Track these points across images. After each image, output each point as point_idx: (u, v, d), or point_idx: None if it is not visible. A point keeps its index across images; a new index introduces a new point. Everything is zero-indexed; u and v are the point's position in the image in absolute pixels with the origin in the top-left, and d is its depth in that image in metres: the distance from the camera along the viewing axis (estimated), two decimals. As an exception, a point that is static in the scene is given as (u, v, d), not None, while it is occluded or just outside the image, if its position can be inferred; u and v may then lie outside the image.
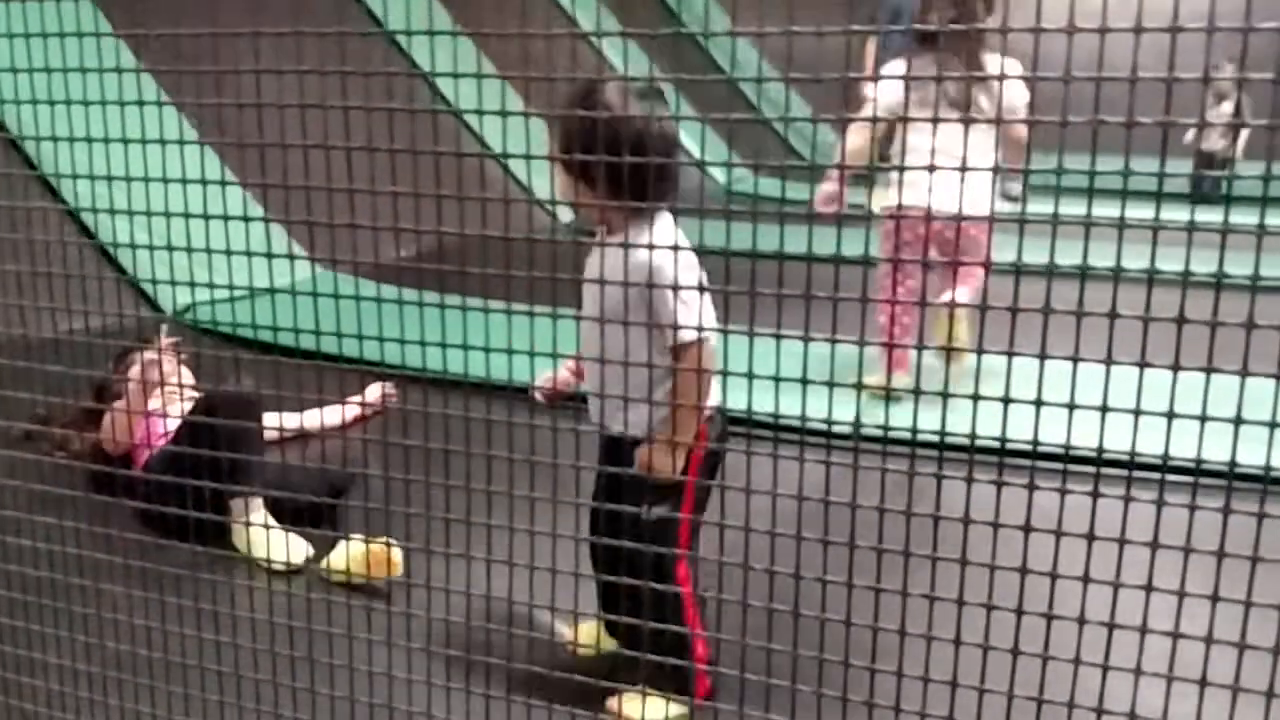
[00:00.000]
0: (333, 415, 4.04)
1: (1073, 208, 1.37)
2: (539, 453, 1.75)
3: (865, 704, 1.63)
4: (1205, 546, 1.42)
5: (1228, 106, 9.22)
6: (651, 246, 2.01)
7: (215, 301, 4.77)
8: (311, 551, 3.04)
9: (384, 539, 2.52)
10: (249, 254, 1.88)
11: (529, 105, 1.89)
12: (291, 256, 1.96)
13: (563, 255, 1.75)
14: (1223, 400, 1.39)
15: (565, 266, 1.80)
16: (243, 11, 1.78)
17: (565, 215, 8.50)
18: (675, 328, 2.32)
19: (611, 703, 2.48)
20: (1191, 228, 1.35)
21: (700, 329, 2.26)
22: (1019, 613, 1.51)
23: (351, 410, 4.10)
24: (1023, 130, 3.34)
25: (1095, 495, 1.47)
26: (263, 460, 3.25)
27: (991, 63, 3.64)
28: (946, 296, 3.74)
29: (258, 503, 3.16)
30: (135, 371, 3.32)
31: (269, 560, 2.99)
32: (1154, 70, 1.30)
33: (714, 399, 2.51)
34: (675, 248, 2.05)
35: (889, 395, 1.95)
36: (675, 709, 2.39)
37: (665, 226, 2.42)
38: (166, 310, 5.46)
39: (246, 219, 1.86)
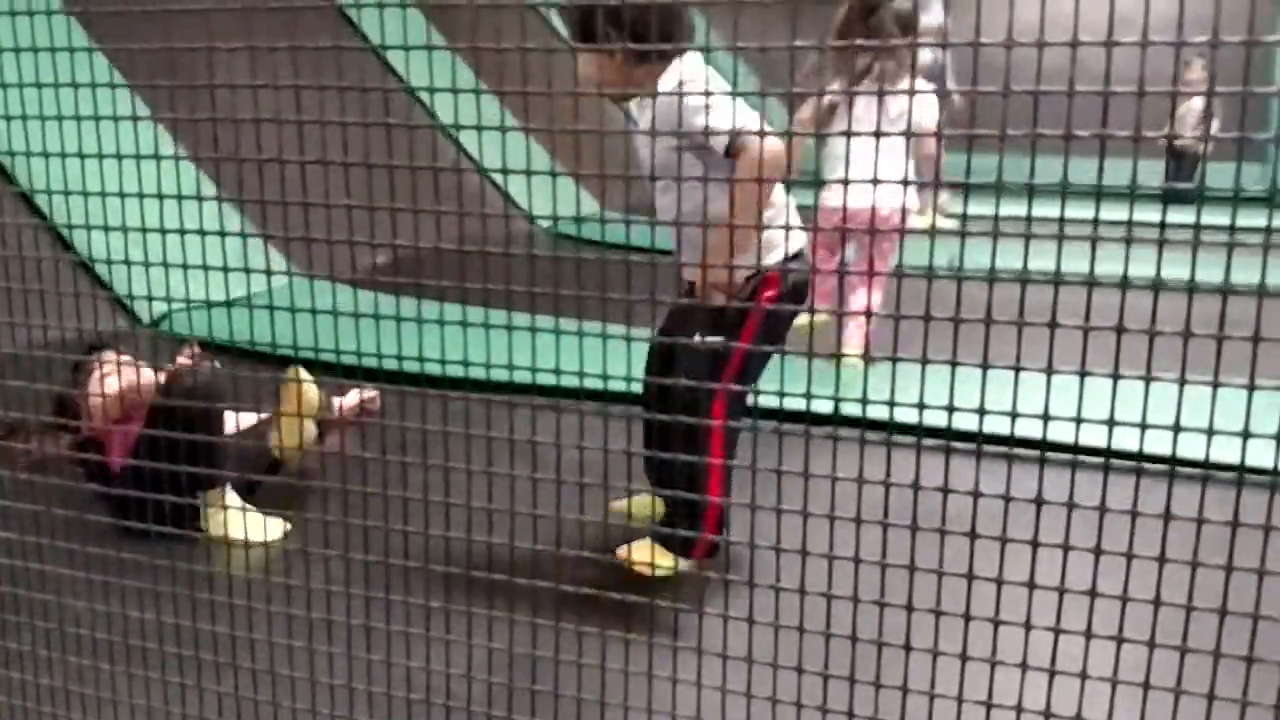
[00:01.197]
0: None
1: (1047, 209, 1.39)
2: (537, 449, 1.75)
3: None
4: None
5: (1198, 103, 9.30)
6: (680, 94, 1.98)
7: (191, 308, 4.75)
8: (289, 528, 3.07)
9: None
10: (226, 268, 1.88)
11: (504, 110, 1.90)
12: (269, 272, 1.95)
13: (541, 261, 1.75)
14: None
15: (542, 274, 1.80)
16: (229, 26, 1.78)
17: (545, 220, 8.54)
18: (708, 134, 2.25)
19: (620, 550, 2.54)
20: (1130, 238, 1.36)
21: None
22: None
23: (341, 409, 4.09)
24: (930, 145, 3.84)
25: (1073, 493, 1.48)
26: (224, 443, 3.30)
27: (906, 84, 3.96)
28: (860, 300, 4.11)
29: (228, 487, 3.20)
30: (100, 366, 3.34)
31: (247, 542, 3.05)
32: (1127, 74, 1.32)
33: (794, 244, 2.46)
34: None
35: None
36: (683, 561, 2.51)
37: (692, 64, 2.40)
38: (143, 319, 5.44)
39: (223, 234, 1.86)
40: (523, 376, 1.70)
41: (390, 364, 1.80)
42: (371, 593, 1.90)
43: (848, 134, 1.48)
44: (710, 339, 2.30)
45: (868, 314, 3.42)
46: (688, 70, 2.39)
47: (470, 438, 1.79)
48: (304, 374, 3.27)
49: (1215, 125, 9.74)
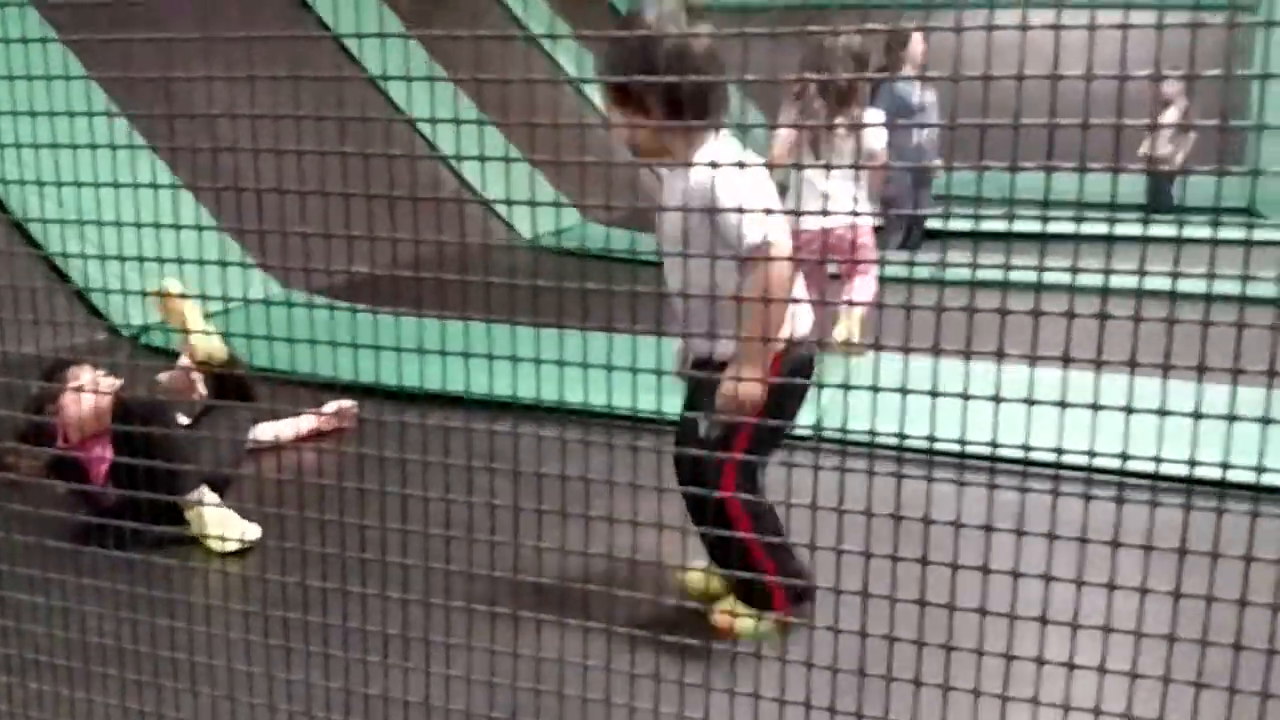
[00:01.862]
0: (289, 428, 4.05)
1: (1028, 221, 1.40)
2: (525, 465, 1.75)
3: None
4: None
5: (1173, 114, 9.42)
6: (714, 165, 1.94)
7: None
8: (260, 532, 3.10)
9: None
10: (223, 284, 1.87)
11: (483, 113, 1.90)
12: (253, 299, 1.94)
13: (522, 266, 1.74)
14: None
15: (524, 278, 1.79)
16: (215, 45, 1.78)
17: (525, 228, 8.54)
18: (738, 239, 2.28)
19: (719, 618, 2.56)
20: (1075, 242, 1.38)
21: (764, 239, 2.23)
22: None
23: (307, 423, 4.08)
24: (879, 171, 4.70)
25: (1043, 493, 1.49)
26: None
27: (859, 114, 4.62)
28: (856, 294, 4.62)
29: (204, 490, 3.20)
30: (73, 381, 3.33)
31: (224, 538, 3.06)
32: (1107, 93, 1.33)
33: (797, 327, 2.46)
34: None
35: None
36: (765, 624, 2.51)
37: (726, 144, 2.40)
38: (122, 333, 5.41)
39: (202, 232, 1.85)
40: (535, 395, 1.68)
41: (389, 379, 1.79)
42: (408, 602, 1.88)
43: (798, 165, 1.49)
44: (713, 429, 2.36)
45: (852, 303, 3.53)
46: (720, 150, 2.39)
47: (472, 459, 1.78)
48: (174, 286, 3.43)
49: (1190, 139, 9.85)
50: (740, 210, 2.22)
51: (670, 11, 2.35)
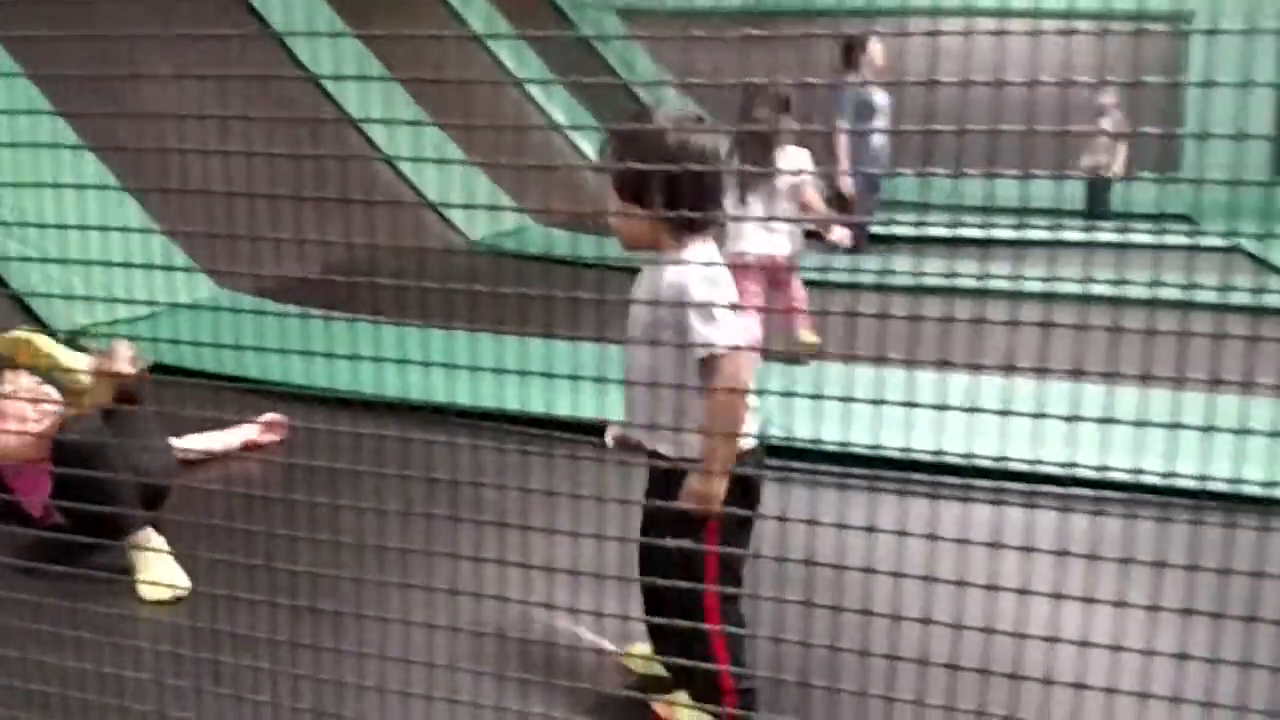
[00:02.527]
0: (221, 440, 3.94)
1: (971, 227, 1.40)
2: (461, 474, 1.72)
3: None
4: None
5: (1107, 123, 9.62)
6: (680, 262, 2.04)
7: (113, 322, 4.64)
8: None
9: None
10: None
11: (424, 113, 1.87)
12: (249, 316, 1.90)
13: (472, 271, 1.72)
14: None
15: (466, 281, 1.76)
16: (151, 38, 1.73)
17: (476, 232, 8.49)
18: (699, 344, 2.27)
19: (660, 708, 2.54)
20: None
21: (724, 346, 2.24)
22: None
23: (244, 435, 3.99)
24: (810, 197, 5.09)
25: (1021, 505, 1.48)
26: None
27: (785, 153, 5.07)
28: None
29: (149, 532, 3.08)
30: (8, 386, 3.22)
31: (155, 584, 2.91)
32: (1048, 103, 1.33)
33: (750, 428, 2.46)
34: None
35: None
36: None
37: (704, 247, 2.44)
38: (60, 335, 5.29)
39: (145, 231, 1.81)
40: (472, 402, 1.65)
41: (315, 379, 1.76)
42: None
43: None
44: (678, 541, 2.37)
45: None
46: (697, 252, 2.42)
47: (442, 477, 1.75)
48: (20, 334, 3.31)
49: (1122, 149, 10.06)
50: (706, 309, 2.28)
51: (681, 115, 2.43)
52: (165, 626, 2.35)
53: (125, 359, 3.17)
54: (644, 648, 2.77)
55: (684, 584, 2.03)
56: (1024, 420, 1.47)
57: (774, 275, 5.26)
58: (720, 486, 2.34)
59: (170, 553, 2.85)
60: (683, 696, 2.55)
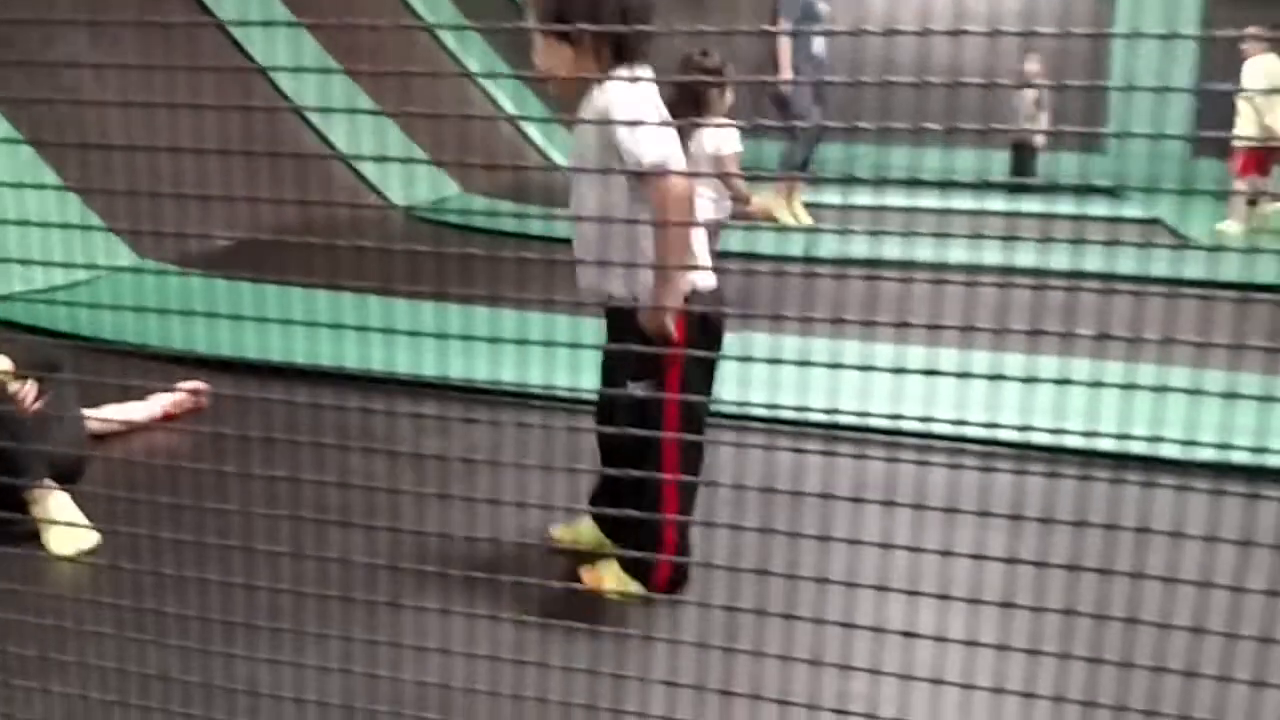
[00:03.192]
0: (142, 410, 3.87)
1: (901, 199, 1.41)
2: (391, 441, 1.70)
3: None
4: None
5: (1030, 94, 9.75)
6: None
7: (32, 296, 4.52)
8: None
9: None
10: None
11: (360, 89, 1.84)
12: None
13: (395, 238, 1.69)
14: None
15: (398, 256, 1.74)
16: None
17: (399, 198, 8.39)
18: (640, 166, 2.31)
19: (586, 573, 2.57)
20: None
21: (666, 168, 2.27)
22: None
23: (158, 405, 3.91)
24: (731, 169, 5.17)
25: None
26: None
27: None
28: None
29: (54, 494, 3.04)
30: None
31: (61, 540, 2.87)
32: (972, 70, 1.34)
33: (702, 281, 2.49)
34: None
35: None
36: (637, 586, 2.52)
37: (635, 71, 2.42)
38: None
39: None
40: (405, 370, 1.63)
41: (239, 348, 1.73)
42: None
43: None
44: (642, 385, 2.39)
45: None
46: (637, 80, 2.44)
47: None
48: None
49: (1045, 118, 10.20)
50: (633, 127, 2.31)
51: None
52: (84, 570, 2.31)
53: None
54: (566, 529, 2.80)
55: (640, 431, 2.05)
56: (949, 384, 1.49)
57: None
58: (674, 298, 2.36)
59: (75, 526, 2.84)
60: (613, 567, 2.58)
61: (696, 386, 2.43)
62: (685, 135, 4.93)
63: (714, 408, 2.75)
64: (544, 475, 1.61)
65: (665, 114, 2.48)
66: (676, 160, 2.35)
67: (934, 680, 1.56)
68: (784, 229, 6.96)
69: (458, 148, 6.03)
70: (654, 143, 2.27)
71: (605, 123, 2.32)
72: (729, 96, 5.29)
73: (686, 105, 4.97)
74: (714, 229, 5.24)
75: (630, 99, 2.33)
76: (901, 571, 1.54)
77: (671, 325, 2.37)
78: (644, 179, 2.29)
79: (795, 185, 8.23)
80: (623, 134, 2.30)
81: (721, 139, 5.12)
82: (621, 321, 2.44)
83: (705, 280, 2.51)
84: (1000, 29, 1.36)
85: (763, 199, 6.50)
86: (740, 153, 5.29)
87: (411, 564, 1.90)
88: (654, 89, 2.39)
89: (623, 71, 2.39)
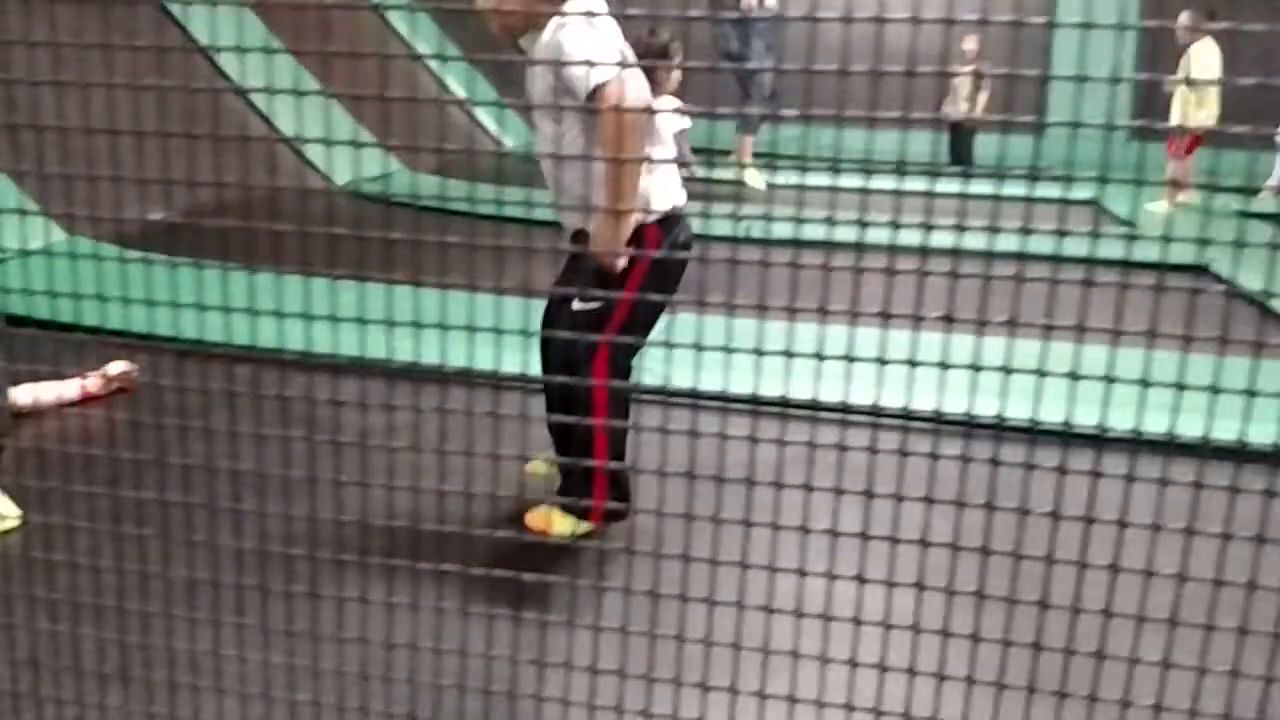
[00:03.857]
0: (67, 390, 3.79)
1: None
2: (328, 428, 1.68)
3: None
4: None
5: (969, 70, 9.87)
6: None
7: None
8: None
9: None
10: None
11: (300, 60, 1.81)
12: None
13: (339, 215, 1.67)
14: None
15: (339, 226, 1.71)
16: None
17: (342, 176, 8.29)
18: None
19: (527, 518, 2.63)
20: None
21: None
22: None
23: (74, 387, 3.82)
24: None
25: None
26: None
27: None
28: None
29: None
30: None
31: None
32: (901, 49, 1.36)
33: (669, 201, 2.49)
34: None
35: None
36: (585, 525, 2.58)
37: (588, 4, 2.39)
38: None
39: None
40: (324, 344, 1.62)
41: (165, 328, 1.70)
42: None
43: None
44: (590, 299, 2.37)
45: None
46: (582, 9, 2.38)
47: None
48: None
49: (984, 97, 10.31)
50: (585, 63, 2.30)
51: None
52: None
53: None
54: (541, 460, 2.86)
55: (575, 335, 2.12)
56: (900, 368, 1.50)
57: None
58: (624, 230, 2.34)
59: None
60: (554, 511, 2.62)
61: (638, 327, 2.42)
62: None
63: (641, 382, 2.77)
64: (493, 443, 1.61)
65: (627, 50, 2.42)
66: (627, 83, 2.29)
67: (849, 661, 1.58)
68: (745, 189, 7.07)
69: (406, 128, 5.97)
70: (598, 57, 2.25)
71: (554, 63, 2.28)
72: (676, 74, 5.33)
73: None
74: (680, 138, 5.24)
75: (585, 37, 2.29)
76: (821, 552, 1.56)
77: (622, 261, 2.35)
78: (594, 95, 2.25)
79: (748, 146, 8.37)
80: (571, 57, 2.27)
81: (666, 116, 5.15)
82: (582, 257, 2.44)
83: (663, 202, 2.49)
84: (954, 18, 1.38)
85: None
86: (685, 130, 5.33)
87: (337, 542, 1.89)
88: (613, 24, 2.35)
89: (577, 5, 2.36)
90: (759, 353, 1.49)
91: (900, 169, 1.41)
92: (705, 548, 1.58)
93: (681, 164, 5.30)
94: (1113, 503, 1.47)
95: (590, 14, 2.25)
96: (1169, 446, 1.46)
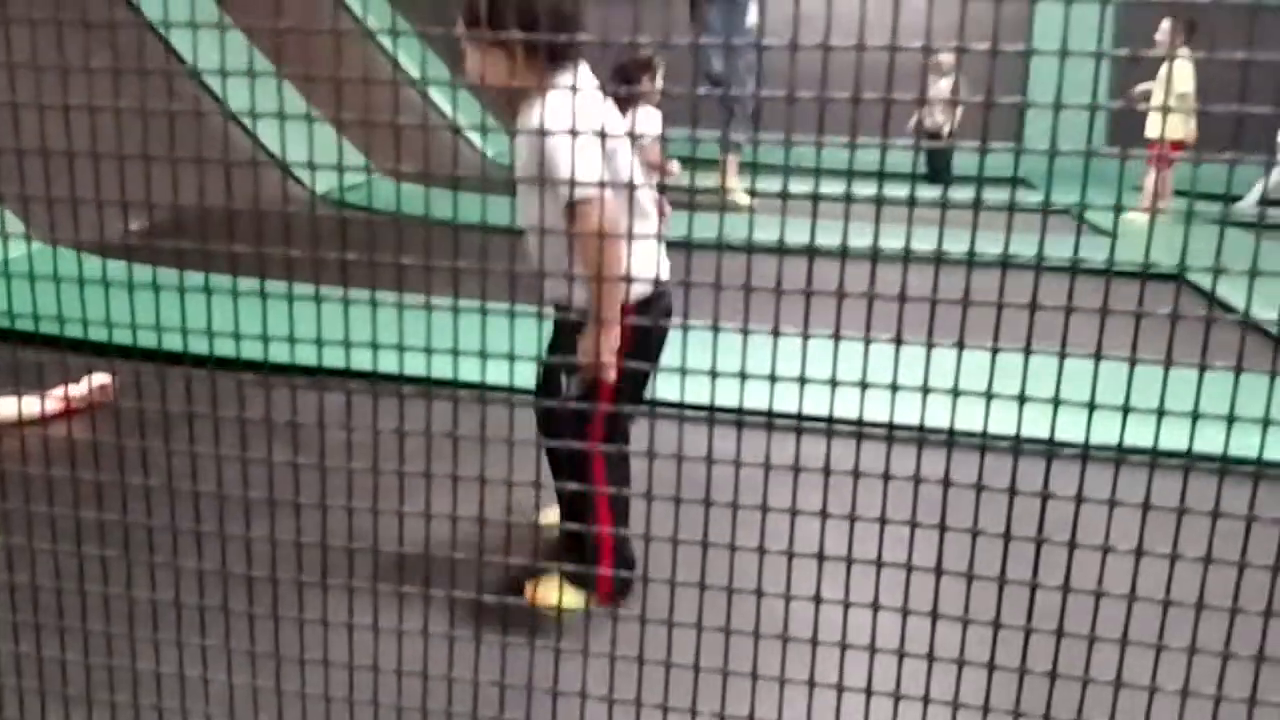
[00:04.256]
0: (34, 405, 3.68)
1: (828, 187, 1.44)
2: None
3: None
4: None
5: (946, 84, 9.83)
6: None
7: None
8: None
9: None
10: None
11: (280, 67, 1.81)
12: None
13: (318, 226, 1.66)
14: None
15: (325, 241, 1.70)
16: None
17: (321, 184, 8.24)
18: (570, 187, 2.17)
19: (528, 588, 2.55)
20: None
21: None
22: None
23: (61, 397, 3.74)
24: (653, 154, 4.97)
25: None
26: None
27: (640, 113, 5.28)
28: None
29: None
30: None
31: None
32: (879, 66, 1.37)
33: (648, 272, 2.43)
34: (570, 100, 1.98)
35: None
36: (580, 597, 2.51)
37: (570, 78, 2.32)
38: None
39: None
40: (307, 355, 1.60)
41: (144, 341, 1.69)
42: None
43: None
44: (574, 389, 2.36)
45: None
46: (569, 94, 2.29)
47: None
48: None
49: (959, 112, 10.33)
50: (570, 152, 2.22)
51: None
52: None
53: None
54: (552, 512, 2.85)
55: (574, 443, 2.12)
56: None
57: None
58: (611, 342, 2.30)
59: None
60: (554, 582, 2.54)
61: (628, 397, 2.42)
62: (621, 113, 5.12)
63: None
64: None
65: (609, 121, 2.37)
66: (603, 192, 2.24)
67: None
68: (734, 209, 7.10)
69: (389, 140, 5.93)
70: (581, 171, 2.09)
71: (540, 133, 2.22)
72: (658, 86, 5.34)
73: (615, 102, 5.08)
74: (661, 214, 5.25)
75: (564, 116, 2.19)
76: (837, 577, 1.56)
77: (610, 375, 2.32)
78: (572, 209, 2.22)
79: (733, 165, 8.39)
80: (554, 154, 2.16)
81: (644, 124, 5.18)
82: (567, 326, 2.39)
83: (644, 285, 2.44)
84: (930, 45, 1.40)
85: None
86: (660, 136, 5.35)
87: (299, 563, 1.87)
88: (596, 98, 2.28)
89: (562, 79, 2.30)
90: (754, 373, 1.49)
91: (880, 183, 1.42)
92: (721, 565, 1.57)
93: (661, 169, 5.32)
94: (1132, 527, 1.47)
95: (574, 89, 2.15)
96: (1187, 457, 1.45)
